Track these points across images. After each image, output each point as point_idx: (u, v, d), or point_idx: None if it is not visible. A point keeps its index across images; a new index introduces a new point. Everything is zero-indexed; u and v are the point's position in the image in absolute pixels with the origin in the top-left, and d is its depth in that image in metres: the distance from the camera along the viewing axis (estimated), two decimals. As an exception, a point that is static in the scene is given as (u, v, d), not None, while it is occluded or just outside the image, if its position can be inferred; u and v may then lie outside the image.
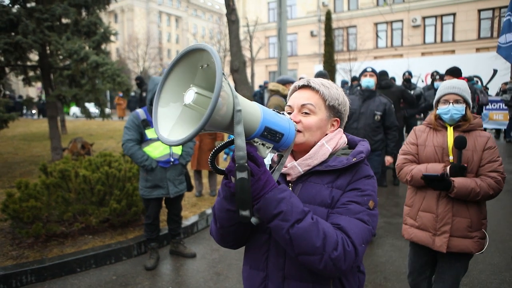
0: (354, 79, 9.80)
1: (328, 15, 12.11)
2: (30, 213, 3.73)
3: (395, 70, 12.34)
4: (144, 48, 40.78)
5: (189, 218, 4.70)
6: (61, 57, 6.97)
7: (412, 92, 7.06)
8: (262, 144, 1.00)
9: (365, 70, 4.25)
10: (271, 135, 0.98)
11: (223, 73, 0.80)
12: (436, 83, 6.70)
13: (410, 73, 7.64)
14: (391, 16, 20.82)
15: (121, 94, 15.46)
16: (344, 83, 11.37)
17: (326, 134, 1.20)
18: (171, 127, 0.91)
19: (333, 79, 11.58)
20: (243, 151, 0.89)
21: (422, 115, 7.65)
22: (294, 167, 1.15)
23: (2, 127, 6.04)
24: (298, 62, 29.90)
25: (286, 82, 4.80)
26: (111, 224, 4.20)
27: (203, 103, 0.88)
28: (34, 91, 35.62)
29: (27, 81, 8.33)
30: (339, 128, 1.24)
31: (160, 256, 3.84)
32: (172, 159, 3.57)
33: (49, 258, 3.55)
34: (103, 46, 7.55)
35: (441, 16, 24.88)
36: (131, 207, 4.17)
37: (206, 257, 3.90)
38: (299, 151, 1.19)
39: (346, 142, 1.24)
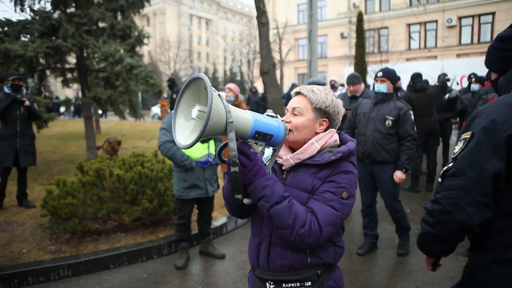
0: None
1: (360, 17, 11.91)
2: (68, 210, 3.88)
3: (429, 72, 11.96)
4: (175, 50, 41.62)
5: (218, 219, 4.74)
6: (97, 59, 7.22)
7: (447, 95, 6.82)
8: (255, 143, 1.28)
9: (376, 76, 3.78)
10: (262, 136, 1.25)
11: (218, 94, 1.11)
12: (473, 86, 6.44)
13: (446, 75, 7.37)
14: (425, 17, 20.19)
15: (165, 95, 15.80)
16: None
17: (317, 133, 1.44)
18: (187, 134, 1.19)
19: (364, 81, 11.37)
20: (234, 152, 1.17)
21: (458, 119, 7.36)
22: (287, 159, 1.42)
23: (42, 127, 6.34)
24: (328, 64, 29.60)
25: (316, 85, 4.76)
26: (143, 223, 4.30)
27: (203, 116, 1.13)
28: (71, 92, 37.12)
29: (66, 83, 8.70)
30: (331, 129, 1.46)
31: (190, 256, 3.90)
32: (211, 159, 3.62)
33: (84, 254, 3.68)
34: (137, 49, 7.78)
35: (479, 15, 23.90)
36: (162, 207, 4.25)
37: (235, 258, 3.92)
38: (292, 146, 1.46)
39: (337, 141, 1.46)
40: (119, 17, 7.83)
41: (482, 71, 7.85)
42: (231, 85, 5.39)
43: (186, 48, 50.52)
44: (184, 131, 1.20)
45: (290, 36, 31.44)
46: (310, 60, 9.50)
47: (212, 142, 3.64)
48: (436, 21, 24.74)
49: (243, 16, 71.12)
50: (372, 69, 17.23)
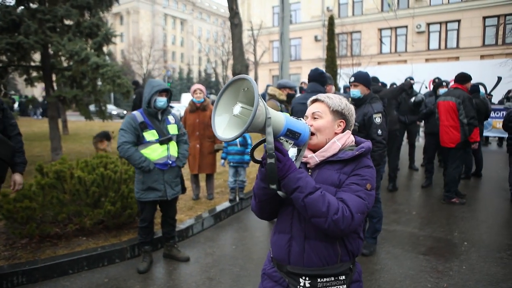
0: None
1: (331, 20, 12.09)
2: (24, 213, 3.72)
3: (399, 76, 12.29)
4: (148, 50, 40.94)
5: (184, 221, 4.67)
6: (63, 58, 6.97)
7: (413, 98, 7.03)
8: (286, 141, 1.41)
9: (349, 81, 3.86)
10: (292, 134, 1.38)
11: (259, 94, 1.20)
12: (441, 90, 6.66)
13: (412, 79, 7.59)
14: (396, 22, 20.78)
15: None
16: (346, 88, 11.34)
17: (336, 133, 1.58)
18: (223, 130, 1.32)
19: (335, 84, 11.55)
20: (271, 145, 1.28)
21: (422, 122, 7.60)
22: (313, 157, 1.54)
23: (1, 127, 6.04)
24: (302, 66, 29.91)
25: (282, 87, 4.77)
26: (106, 226, 4.19)
27: (245, 113, 1.30)
28: (39, 91, 35.81)
29: (29, 81, 8.37)
30: (347, 130, 1.60)
31: (153, 259, 3.81)
32: (170, 162, 3.55)
33: (42, 259, 3.53)
34: (105, 48, 7.58)
35: (446, 22, 24.83)
36: (126, 209, 4.15)
37: (200, 261, 3.87)
38: (313, 149, 1.56)
39: (354, 141, 1.61)
40: (87, 15, 7.61)
41: (449, 75, 8.18)
42: (201, 86, 5.34)
43: (160, 47, 49.77)
44: (221, 126, 1.33)
45: (265, 38, 31.58)
46: (282, 62, 9.56)
47: (172, 144, 3.58)
48: (406, 27, 25.49)
49: (219, 17, 70.86)
50: (344, 72, 17.58)
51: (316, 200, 1.35)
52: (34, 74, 8.68)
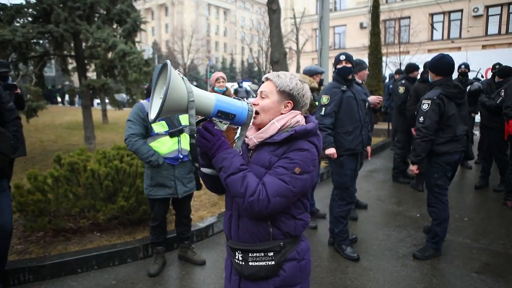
0: (397, 72, 8.96)
1: (376, 3, 11.18)
2: (35, 207, 3.56)
3: (451, 63, 11.17)
4: (190, 40, 41.31)
5: (205, 219, 4.35)
6: (92, 45, 6.89)
7: (468, 87, 6.19)
8: (220, 121, 1.41)
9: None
10: (225, 115, 1.38)
11: (182, 77, 1.29)
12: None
13: (467, 66, 6.71)
14: (449, 6, 19.18)
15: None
16: (391, 77, 10.51)
17: (282, 114, 1.53)
18: (155, 113, 1.32)
19: (379, 72, 10.70)
20: (193, 126, 1.34)
21: (479, 113, 6.70)
22: (251, 139, 1.53)
23: (31, 116, 6.07)
24: (345, 55, 28.68)
25: (314, 73, 4.27)
26: (121, 222, 3.96)
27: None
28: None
29: (66, 71, 8.45)
30: (293, 110, 1.54)
31: (167, 260, 3.53)
32: (181, 156, 3.21)
33: (50, 257, 3.36)
34: (137, 38, 7.41)
35: (508, 4, 22.54)
36: (141, 205, 3.89)
37: (217, 265, 3.53)
38: (259, 128, 1.54)
39: (300, 122, 1.52)
40: (119, 2, 7.46)
41: (509, 63, 7.14)
42: (223, 74, 4.99)
43: (203, 37, 50.16)
44: (155, 109, 1.33)
45: (308, 26, 30.65)
46: (321, 49, 8.96)
47: (184, 136, 3.21)
48: (461, 11, 23.53)
49: (262, 6, 70.04)
50: (391, 61, 16.45)
51: (235, 181, 1.38)
52: (74, 64, 8.77)
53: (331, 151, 3.49)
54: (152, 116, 1.32)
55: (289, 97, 1.53)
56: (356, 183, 5.01)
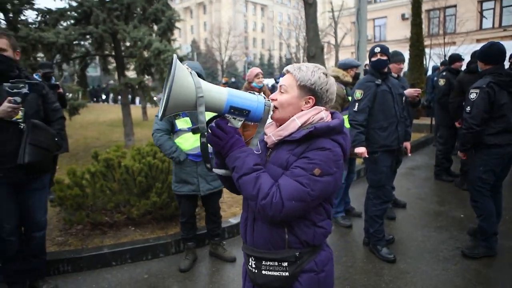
0: (442, 63, 8.48)
1: (417, -10, 10.62)
2: (74, 201, 3.71)
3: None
4: (227, 36, 41.68)
5: (238, 215, 4.34)
6: (128, 44, 7.11)
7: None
8: (234, 118, 1.32)
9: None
10: (238, 111, 1.29)
11: (190, 72, 1.22)
12: None
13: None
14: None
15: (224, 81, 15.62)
16: (435, 69, 9.98)
17: (302, 110, 1.40)
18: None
19: (421, 65, 10.16)
20: (203, 124, 1.25)
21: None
22: (269, 136, 1.42)
23: (73, 114, 6.35)
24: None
25: (348, 67, 4.10)
26: (154, 217, 4.04)
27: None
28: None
29: (106, 71, 8.77)
30: (316, 106, 1.41)
31: (198, 256, 3.55)
32: None
33: (87, 249, 3.49)
34: (174, 36, 7.53)
35: None
36: (173, 201, 3.94)
37: (247, 262, 3.50)
38: (279, 123, 1.43)
39: (324, 119, 1.39)
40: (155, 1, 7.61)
41: None
42: (260, 70, 4.96)
43: (240, 34, 50.45)
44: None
45: (346, 20, 29.88)
46: (358, 42, 8.68)
47: (182, 137, 3.20)
48: (515, -4, 21.88)
49: (299, 0, 69.28)
50: (435, 53, 15.62)
51: (248, 182, 1.29)
52: (113, 63, 9.10)
53: (361, 149, 3.35)
54: (159, 113, 1.26)
55: (311, 92, 1.40)
56: (394, 180, 4.85)
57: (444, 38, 15.40)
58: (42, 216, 2.89)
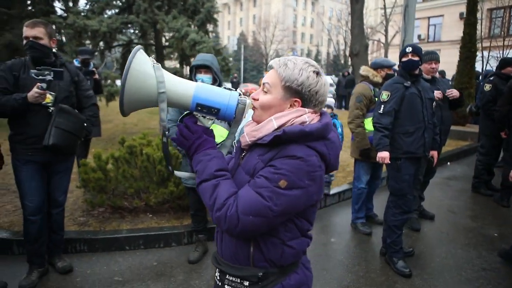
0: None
1: (473, -13, 9.84)
2: (96, 184, 3.86)
3: None
4: (273, 30, 41.49)
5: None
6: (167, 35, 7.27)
7: None
8: (203, 116, 1.22)
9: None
10: (206, 109, 1.18)
11: (153, 64, 1.13)
12: None
13: None
14: None
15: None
16: (486, 75, 9.26)
17: None
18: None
19: (472, 68, 9.45)
20: (164, 123, 1.18)
21: None
22: (243, 136, 1.27)
23: (110, 100, 6.60)
24: (440, 48, 26.22)
25: (379, 67, 3.89)
26: (172, 206, 4.11)
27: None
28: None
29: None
30: (299, 108, 1.22)
31: (208, 249, 3.57)
32: None
33: (103, 232, 3.62)
34: (210, 27, 7.59)
35: None
36: (190, 192, 3.99)
37: (256, 260, 3.46)
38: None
39: (308, 122, 1.19)
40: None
41: None
42: None
43: (288, 28, 50.08)
44: None
45: (398, 17, 28.53)
46: (403, 41, 8.20)
47: (214, 127, 3.16)
48: None
49: (352, -4, 67.48)
50: (493, 55, 14.52)
51: (206, 189, 1.16)
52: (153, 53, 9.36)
53: (384, 154, 3.16)
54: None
55: (297, 94, 1.20)
56: (425, 190, 4.59)
57: (503, 40, 14.27)
58: (60, 196, 3.02)
